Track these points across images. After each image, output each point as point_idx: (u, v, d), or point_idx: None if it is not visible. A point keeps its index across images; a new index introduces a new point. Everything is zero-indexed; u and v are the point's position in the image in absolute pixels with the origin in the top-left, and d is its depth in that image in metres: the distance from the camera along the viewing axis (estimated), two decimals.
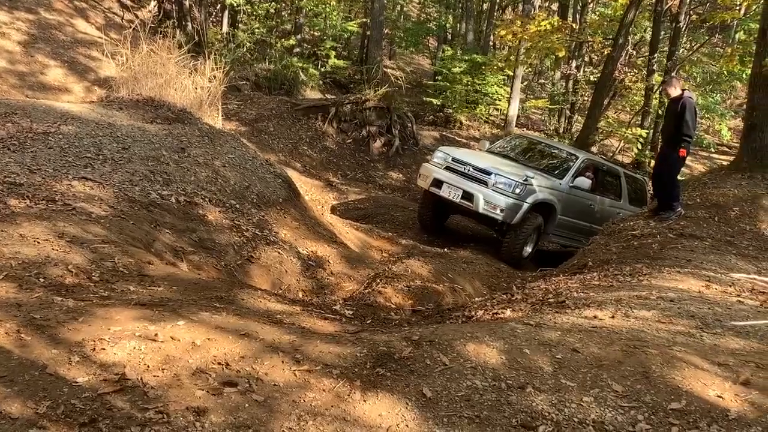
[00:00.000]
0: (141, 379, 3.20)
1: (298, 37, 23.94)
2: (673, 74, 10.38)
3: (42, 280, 4.39)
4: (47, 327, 3.55)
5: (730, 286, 6.42)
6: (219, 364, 3.45)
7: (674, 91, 9.14)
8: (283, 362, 3.56)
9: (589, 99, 20.59)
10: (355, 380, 3.49)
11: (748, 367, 3.82)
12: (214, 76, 11.37)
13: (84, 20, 16.85)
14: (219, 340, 3.68)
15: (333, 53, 24.13)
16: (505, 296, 7.06)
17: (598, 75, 19.97)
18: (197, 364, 3.41)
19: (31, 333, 3.46)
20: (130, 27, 13.98)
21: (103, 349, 3.40)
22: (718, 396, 3.47)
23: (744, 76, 16.98)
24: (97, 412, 2.92)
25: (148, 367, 3.32)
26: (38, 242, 4.97)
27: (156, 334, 3.61)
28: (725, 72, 21.51)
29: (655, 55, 18.70)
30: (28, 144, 7.14)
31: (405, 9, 34.33)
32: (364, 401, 3.32)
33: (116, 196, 6.57)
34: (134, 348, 3.45)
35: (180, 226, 6.84)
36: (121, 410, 2.96)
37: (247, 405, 3.13)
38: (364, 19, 26.52)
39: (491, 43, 28.12)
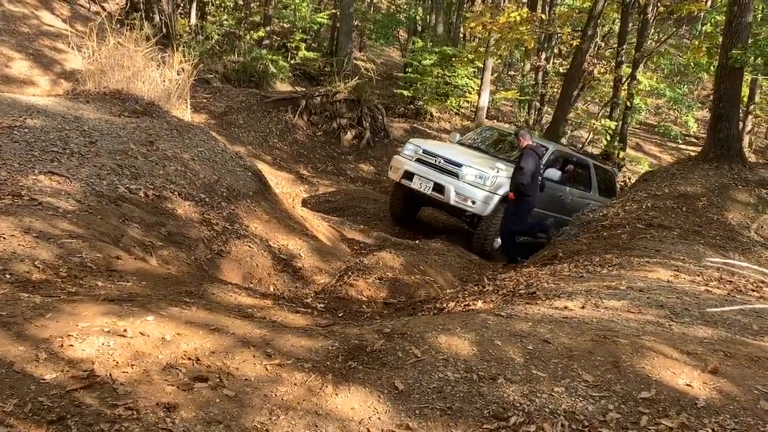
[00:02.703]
0: (110, 375, 3.16)
1: (268, 29, 23.79)
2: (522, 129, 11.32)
3: (8, 276, 4.32)
4: (13, 324, 3.49)
5: (698, 275, 6.50)
6: (189, 359, 3.42)
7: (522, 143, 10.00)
8: (254, 357, 3.54)
9: (559, 90, 20.70)
10: (327, 374, 3.48)
11: (716, 356, 3.87)
12: (183, 69, 11.25)
13: (49, 12, 16.60)
14: (189, 335, 3.64)
15: (303, 45, 24.04)
16: (476, 288, 7.09)
17: (568, 67, 20.08)
18: (167, 360, 3.38)
19: None
20: (97, 19, 13.78)
21: (71, 345, 3.36)
22: (687, 384, 3.50)
23: (711, 68, 17.17)
24: (65, 409, 2.89)
25: (117, 363, 3.28)
26: (4, 238, 4.89)
27: (125, 330, 3.57)
28: (692, 63, 21.74)
29: (624, 46, 18.84)
30: None
31: (375, 1, 34.27)
32: (336, 395, 3.31)
33: (83, 190, 6.49)
34: (103, 344, 3.41)
35: (149, 220, 6.77)
36: (90, 407, 2.92)
37: (218, 400, 3.11)
38: (334, 11, 26.43)
39: (461, 35, 28.17)
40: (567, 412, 3.24)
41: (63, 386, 3.03)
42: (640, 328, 4.34)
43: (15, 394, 2.92)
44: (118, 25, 13.57)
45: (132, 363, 3.30)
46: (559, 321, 4.41)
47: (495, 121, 23.95)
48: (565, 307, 4.92)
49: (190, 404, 3.04)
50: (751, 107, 22.32)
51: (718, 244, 8.32)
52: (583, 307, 4.94)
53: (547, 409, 3.26)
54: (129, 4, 20.33)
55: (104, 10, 17.45)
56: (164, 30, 18.56)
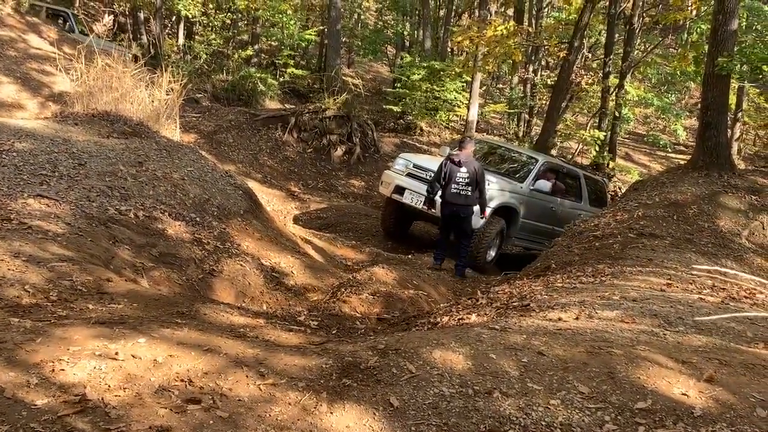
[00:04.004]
0: (102, 399, 3.13)
1: (256, 47, 23.89)
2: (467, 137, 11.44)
3: None
4: (4, 349, 3.45)
5: (691, 283, 6.50)
6: (182, 381, 3.39)
7: None
8: (247, 377, 3.51)
9: (547, 102, 20.78)
10: (322, 392, 3.45)
11: (711, 364, 3.86)
12: (172, 89, 11.25)
13: (37, 35, 16.60)
14: (181, 357, 3.61)
15: (291, 62, 24.12)
16: (470, 301, 7.07)
17: (555, 78, 20.17)
18: (159, 382, 3.35)
19: None
20: (85, 41, 13.77)
21: (62, 369, 3.33)
22: (683, 394, 3.49)
23: (698, 77, 17.28)
24: None
25: (109, 386, 3.25)
26: None
27: (116, 353, 3.54)
28: (679, 72, 21.87)
29: (611, 57, 18.93)
30: None
31: (362, 17, 34.41)
32: (331, 413, 3.28)
33: (73, 213, 6.46)
34: (94, 368, 3.37)
35: (139, 241, 6.74)
36: None
37: (211, 422, 3.07)
38: (322, 28, 26.52)
39: (449, 49, 28.29)
40: (563, 424, 3.23)
41: (55, 411, 2.99)
42: (634, 338, 4.32)
43: (6, 421, 2.89)
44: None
45: (124, 386, 3.27)
46: (553, 333, 4.40)
47: (485, 134, 24.01)
48: (559, 319, 4.91)
49: (183, 427, 3.01)
50: (739, 115, 22.44)
51: (710, 252, 8.34)
52: (577, 318, 4.93)
53: (543, 422, 3.24)
54: (116, 25, 20.33)
55: (92, 32, 17.46)
56: (152, 51, 18.59)
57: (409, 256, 11.13)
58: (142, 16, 24.28)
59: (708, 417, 3.28)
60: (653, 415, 3.29)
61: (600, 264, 7.51)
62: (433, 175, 10.34)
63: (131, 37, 18.04)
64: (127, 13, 24.65)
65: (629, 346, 4.09)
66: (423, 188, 11.16)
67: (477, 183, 9.55)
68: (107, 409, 3.07)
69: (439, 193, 9.78)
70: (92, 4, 25.19)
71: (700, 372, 3.72)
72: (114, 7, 23.11)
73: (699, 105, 13.46)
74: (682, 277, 6.74)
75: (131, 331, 3.88)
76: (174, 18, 25.06)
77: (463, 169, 9.49)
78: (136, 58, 12.91)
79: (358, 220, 13.84)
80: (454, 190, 9.54)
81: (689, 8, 17.75)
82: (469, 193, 9.56)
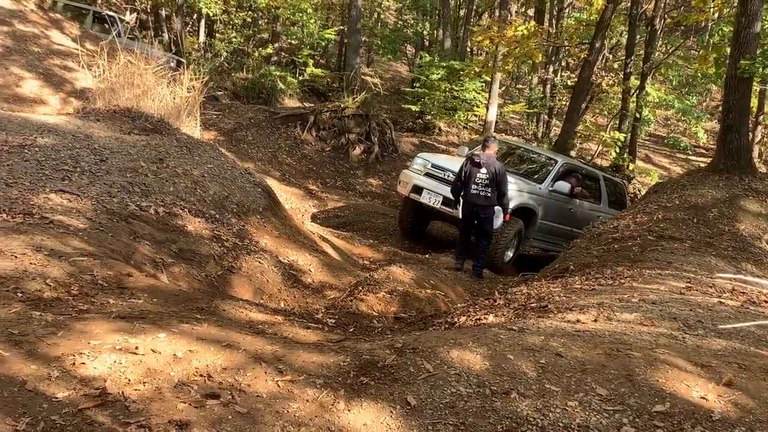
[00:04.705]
0: (122, 393, 3.16)
1: (276, 45, 23.95)
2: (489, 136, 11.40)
3: (20, 294, 4.32)
4: (26, 342, 3.49)
5: (710, 287, 6.46)
6: (201, 376, 3.41)
7: None
8: (265, 373, 3.53)
9: (567, 103, 20.72)
10: (339, 389, 3.46)
11: (730, 368, 3.84)
12: (193, 86, 11.31)
13: (59, 31, 16.69)
14: (201, 352, 3.64)
15: (311, 61, 24.17)
16: (487, 302, 7.06)
17: (575, 79, 20.10)
18: (179, 377, 3.37)
19: (9, 349, 3.41)
20: (107, 37, 13.85)
21: (83, 363, 3.36)
22: (702, 397, 3.47)
23: (719, 79, 17.16)
24: (77, 427, 2.88)
25: (129, 380, 3.28)
26: (15, 256, 4.90)
27: (136, 347, 3.56)
28: (700, 75, 21.72)
29: (632, 58, 18.85)
30: (3, 157, 7.05)
31: (382, 16, 34.43)
32: (349, 411, 3.29)
33: (94, 208, 6.51)
34: (114, 361, 3.40)
35: (159, 237, 6.78)
36: (102, 425, 2.91)
37: (230, 417, 3.09)
38: (342, 27, 26.56)
39: (468, 49, 28.25)
40: (581, 426, 3.22)
41: (75, 404, 3.02)
42: (653, 341, 4.31)
43: (27, 413, 2.92)
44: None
45: (144, 380, 3.29)
46: (571, 334, 4.39)
47: (503, 134, 23.96)
48: (578, 321, 4.89)
49: (202, 421, 3.03)
50: (761, 118, 22.25)
51: (729, 256, 8.27)
52: (595, 320, 4.91)
53: (560, 424, 3.23)
54: (138, 22, 20.46)
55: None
56: (173, 48, 18.68)
57: (427, 256, 11.12)
58: (163, 13, 24.43)
59: (727, 421, 3.26)
60: (671, 419, 3.27)
61: (619, 266, 7.47)
62: (454, 175, 10.30)
63: (153, 34, 18.11)
64: (148, 10, 24.80)
65: (648, 349, 4.07)
66: (441, 188, 11.16)
67: (498, 184, 9.51)
68: (127, 402, 3.09)
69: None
70: (114, 1, 25.36)
71: (719, 376, 3.70)
72: (136, 4, 23.26)
73: (720, 107, 13.34)
74: (702, 281, 6.70)
75: (151, 326, 3.91)
76: (195, 16, 25.18)
77: (483, 170, 9.47)
78: (179, 63, 12.75)
79: (375, 219, 13.86)
80: (474, 191, 9.53)
81: (711, 10, 17.62)
82: (489, 194, 9.53)
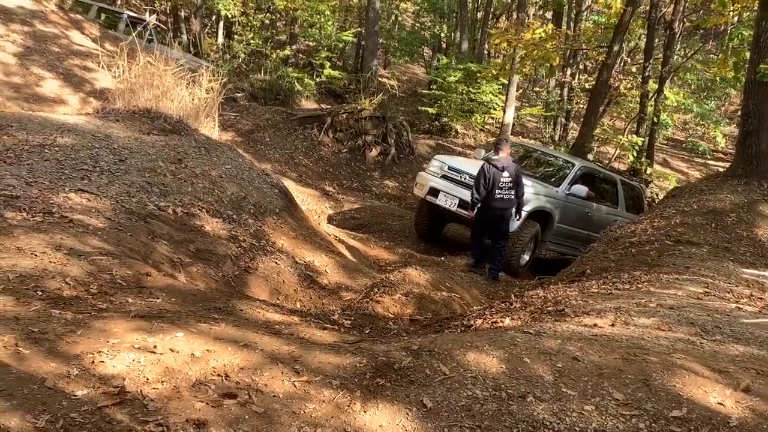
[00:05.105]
0: (140, 391, 3.18)
1: (294, 47, 24.02)
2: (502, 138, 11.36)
3: (40, 292, 4.37)
4: (45, 340, 3.53)
5: (728, 292, 6.42)
6: (218, 375, 3.43)
7: None
8: (282, 373, 3.54)
9: (584, 106, 20.65)
10: (355, 391, 3.47)
11: (748, 374, 3.82)
12: (212, 87, 11.37)
13: (79, 32, 16.82)
14: (218, 352, 3.66)
15: (328, 63, 24.22)
16: (503, 305, 7.05)
17: (593, 82, 20.03)
18: (197, 376, 3.39)
19: (29, 346, 3.44)
20: (127, 38, 13.94)
21: (102, 361, 3.39)
22: (719, 403, 3.46)
23: (739, 84, 17.06)
24: (96, 425, 2.90)
25: (148, 379, 3.30)
26: (35, 255, 4.95)
27: (155, 346, 3.59)
28: (719, 79, 21.58)
29: (650, 62, 18.76)
30: (24, 156, 7.12)
31: (400, 19, 34.45)
32: (365, 412, 3.30)
33: (113, 207, 6.56)
34: (133, 360, 3.43)
35: (177, 237, 6.82)
36: (120, 423, 2.94)
37: (247, 417, 3.11)
38: (359, 29, 26.60)
39: (486, 52, 28.22)
40: (597, 430, 3.21)
41: (94, 402, 3.05)
42: (670, 346, 4.29)
43: (47, 410, 2.95)
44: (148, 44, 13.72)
45: (162, 379, 3.32)
46: (588, 338, 4.38)
47: (520, 137, 23.92)
48: (595, 325, 4.88)
49: (219, 421, 3.05)
50: None
51: (748, 261, 8.21)
52: (612, 325, 4.89)
53: (577, 428, 3.23)
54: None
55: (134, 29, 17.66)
56: (192, 49, 18.78)
57: (442, 258, 11.12)
58: (182, 14, 24.56)
59: (744, 427, 3.25)
60: (688, 424, 3.26)
61: (636, 271, 7.44)
62: (473, 180, 10.17)
63: (172, 35, 18.21)
64: (168, 11, 24.95)
65: (665, 354, 4.06)
66: (457, 190, 11.16)
67: (517, 186, 9.55)
68: (145, 401, 3.12)
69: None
70: (133, 2, 25.53)
71: (736, 381, 3.69)
72: (155, 5, 23.41)
73: (739, 112, 13.26)
74: (720, 286, 6.66)
75: (169, 325, 3.94)
76: (214, 17, 25.30)
77: (506, 174, 9.49)
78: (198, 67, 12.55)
79: (391, 221, 13.86)
80: (499, 195, 9.53)
81: (731, 13, 17.52)
82: (512, 197, 9.58)
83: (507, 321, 5.85)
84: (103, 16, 18.76)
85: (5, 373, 3.18)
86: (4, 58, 13.88)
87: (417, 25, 33.67)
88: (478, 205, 9.68)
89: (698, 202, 9.66)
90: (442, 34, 30.68)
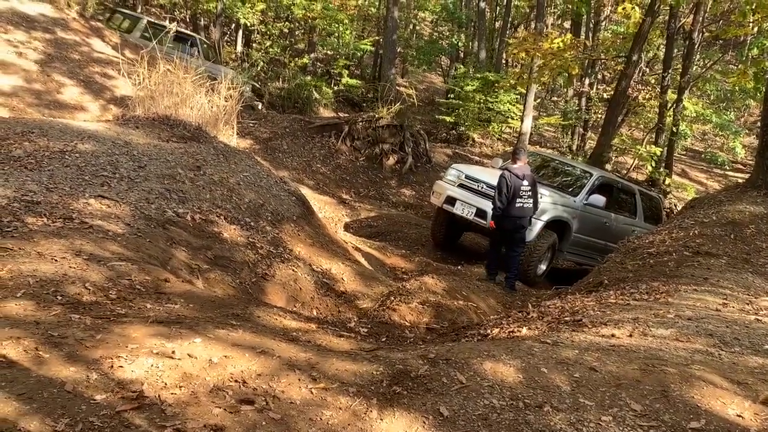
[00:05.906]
0: (159, 396, 3.20)
1: (312, 56, 24.13)
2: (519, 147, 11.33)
3: (59, 297, 4.40)
4: (65, 344, 3.56)
5: (747, 304, 6.37)
6: (236, 381, 3.44)
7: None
8: (299, 380, 3.55)
9: (602, 116, 20.59)
10: (372, 398, 3.48)
11: (767, 386, 3.79)
12: (230, 95, 11.44)
13: (100, 39, 16.99)
14: (236, 358, 3.68)
15: (346, 72, 24.29)
16: (520, 314, 7.03)
17: (611, 92, 19.96)
18: (214, 382, 3.41)
19: (49, 350, 3.47)
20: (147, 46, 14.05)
21: (121, 366, 3.41)
22: (738, 415, 3.43)
23: (759, 95, 16.95)
24: (115, 429, 2.92)
25: (166, 384, 3.32)
26: (55, 260, 4.99)
27: (173, 352, 3.61)
28: (738, 89, 21.46)
29: (669, 72, 18.68)
30: (45, 162, 7.19)
31: (417, 28, 34.52)
32: (381, 420, 3.30)
33: (133, 214, 6.60)
34: (152, 365, 3.45)
35: (196, 243, 6.86)
36: (138, 428, 2.95)
37: (264, 423, 3.12)
38: (377, 38, 26.67)
39: (504, 61, 28.22)
40: None
41: (113, 407, 3.07)
42: (688, 357, 4.26)
43: (66, 414, 2.97)
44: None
45: (180, 384, 3.34)
46: (606, 349, 4.36)
47: (537, 146, 23.86)
48: (612, 335, 4.86)
49: (236, 426, 3.06)
50: None
51: (767, 273, 8.15)
52: (630, 335, 4.87)
53: None
54: (176, 32, 20.70)
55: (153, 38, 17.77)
56: (211, 57, 18.90)
57: (459, 267, 11.11)
58: (201, 23, 24.73)
59: None
60: None
61: (654, 281, 7.40)
62: (492, 189, 10.17)
63: (191, 43, 18.35)
64: (187, 20, 25.13)
65: (683, 365, 4.03)
66: (474, 199, 11.15)
67: (534, 194, 9.58)
68: (163, 406, 3.14)
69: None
70: (153, 10, 25.73)
71: (755, 393, 3.66)
72: (175, 14, 23.59)
73: (759, 123, 13.18)
74: (739, 297, 6.61)
75: (188, 331, 3.96)
76: (233, 26, 25.46)
77: (525, 182, 9.49)
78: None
79: (408, 229, 13.86)
80: (519, 204, 9.53)
81: (751, 24, 17.43)
82: (530, 204, 9.59)
83: (524, 331, 5.84)
84: (127, 23, 18.86)
85: (26, 376, 3.21)
86: (26, 65, 14.03)
87: (435, 34, 33.74)
88: (498, 214, 9.64)
89: (717, 213, 9.59)
90: (460, 44, 30.71)
